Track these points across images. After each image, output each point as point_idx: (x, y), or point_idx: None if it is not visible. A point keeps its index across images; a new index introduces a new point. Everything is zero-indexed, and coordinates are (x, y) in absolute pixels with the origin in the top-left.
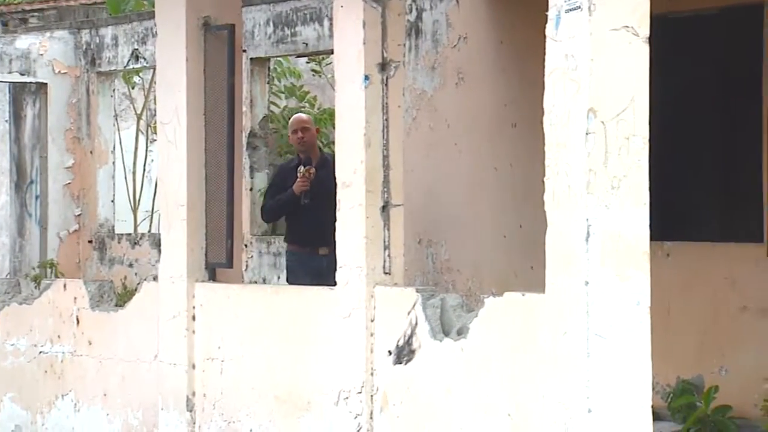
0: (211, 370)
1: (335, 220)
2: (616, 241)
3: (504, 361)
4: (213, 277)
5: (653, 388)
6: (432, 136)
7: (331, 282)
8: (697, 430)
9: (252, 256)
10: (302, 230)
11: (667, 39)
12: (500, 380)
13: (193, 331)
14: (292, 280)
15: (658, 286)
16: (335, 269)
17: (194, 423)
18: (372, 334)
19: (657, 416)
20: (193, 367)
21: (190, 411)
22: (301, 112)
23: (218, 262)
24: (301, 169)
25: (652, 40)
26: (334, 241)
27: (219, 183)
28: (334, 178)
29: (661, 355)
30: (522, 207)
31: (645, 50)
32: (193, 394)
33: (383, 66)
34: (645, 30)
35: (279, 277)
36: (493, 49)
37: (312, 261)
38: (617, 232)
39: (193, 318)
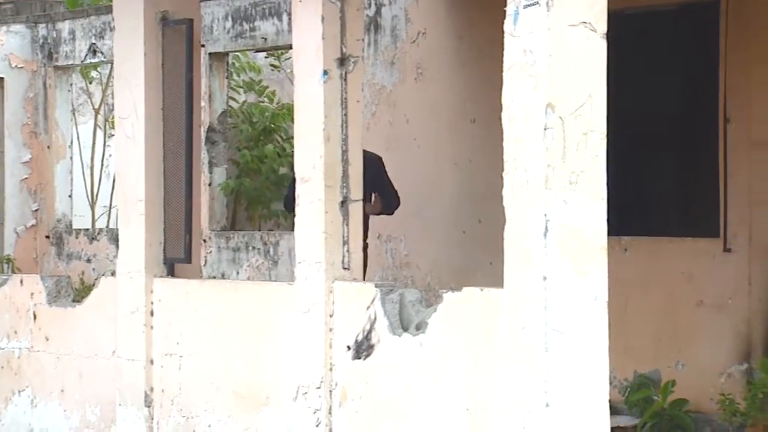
0: (169, 366)
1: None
2: (574, 236)
3: (463, 356)
4: (171, 273)
5: (611, 383)
6: (391, 131)
7: None
8: (654, 424)
9: (211, 252)
10: None
11: (625, 35)
12: (459, 375)
13: (152, 327)
14: None
15: (616, 281)
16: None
17: (152, 419)
18: (331, 329)
19: (614, 410)
20: (152, 362)
21: (149, 407)
22: (260, 106)
23: (177, 258)
24: None
25: (610, 35)
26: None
27: (177, 178)
28: (380, 182)
29: (619, 349)
30: (481, 202)
31: (602, 46)
32: (152, 389)
33: (342, 61)
34: (602, 26)
35: (238, 273)
36: (453, 44)
37: None
38: (575, 227)
39: (152, 313)
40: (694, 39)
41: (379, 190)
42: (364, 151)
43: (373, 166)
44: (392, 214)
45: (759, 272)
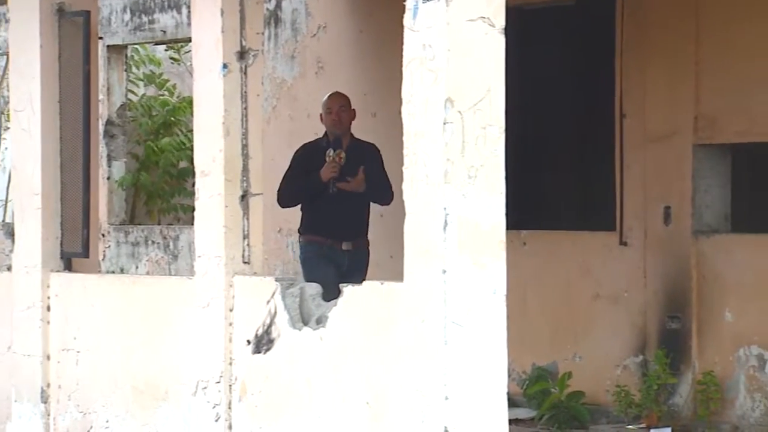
0: (66, 361)
1: (364, 214)
2: (473, 230)
3: (363, 350)
4: (69, 267)
5: (509, 375)
6: (292, 125)
7: (355, 283)
8: (551, 416)
9: (110, 246)
10: (326, 221)
11: (523, 30)
12: (359, 369)
13: (48, 322)
14: (313, 272)
15: (515, 274)
16: (358, 268)
17: (49, 415)
18: (231, 324)
19: (513, 402)
20: (48, 358)
21: (45, 402)
22: (160, 99)
23: (74, 252)
24: (331, 152)
25: (509, 31)
26: (360, 236)
27: (75, 171)
28: (371, 168)
29: (517, 342)
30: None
31: (501, 41)
32: (48, 385)
33: (242, 54)
34: (501, 21)
35: (137, 267)
36: (353, 38)
37: (333, 255)
38: (474, 221)
39: (48, 308)
40: (592, 35)
41: (373, 179)
42: (360, 140)
43: (368, 154)
44: (386, 204)
45: (654, 265)
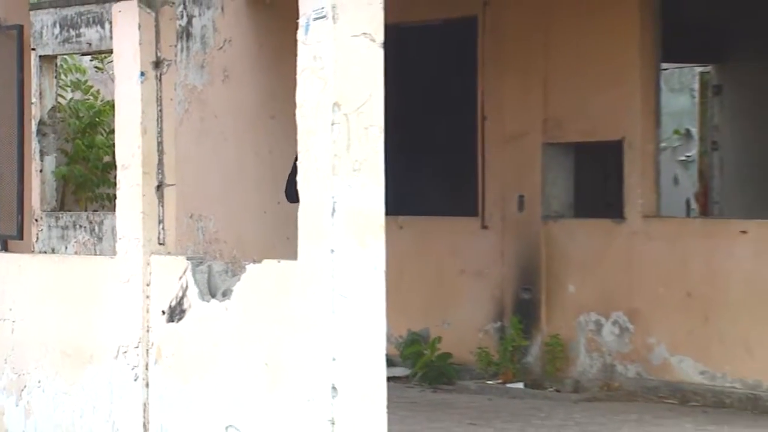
0: (3, 330)
1: None
2: (357, 216)
3: (262, 319)
4: (5, 248)
5: (388, 339)
6: (202, 125)
7: None
8: (423, 374)
9: (42, 230)
10: None
11: (401, 44)
12: (259, 335)
13: None
14: None
15: (393, 254)
16: None
17: None
18: (148, 297)
19: (391, 362)
20: None
21: None
22: (86, 103)
23: (10, 235)
24: None
25: (388, 45)
26: None
27: (11, 165)
28: None
29: (395, 311)
30: (279, 187)
31: (380, 54)
32: None
33: (157, 64)
34: (380, 36)
35: (66, 248)
36: (255, 50)
37: None
38: (358, 208)
39: None
40: (458, 49)
41: None
42: None
43: None
44: None
45: (510, 245)
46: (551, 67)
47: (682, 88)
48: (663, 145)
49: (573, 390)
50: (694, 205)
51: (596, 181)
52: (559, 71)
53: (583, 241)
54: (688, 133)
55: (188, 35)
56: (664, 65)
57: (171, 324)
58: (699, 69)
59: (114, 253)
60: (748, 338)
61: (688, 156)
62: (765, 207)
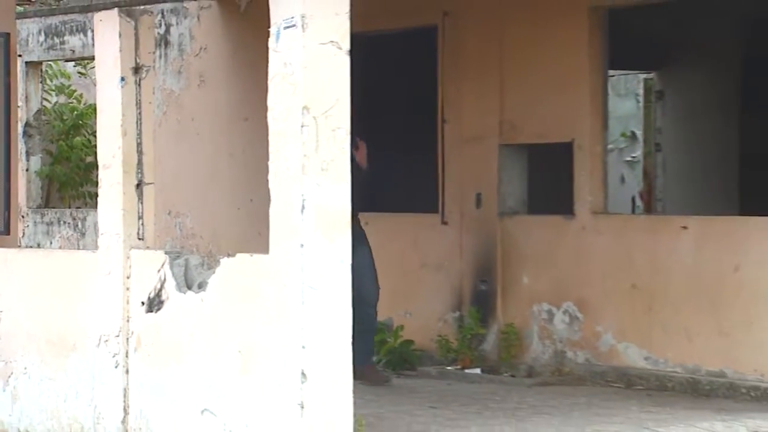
0: None
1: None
2: (325, 212)
3: (236, 309)
4: None
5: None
6: (179, 127)
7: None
8: (388, 360)
9: (28, 226)
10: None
11: (367, 52)
12: (233, 324)
13: None
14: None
15: None
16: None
17: None
18: (128, 289)
19: None
20: None
21: None
22: (69, 106)
23: None
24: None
25: (354, 52)
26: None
27: None
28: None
29: None
30: (252, 185)
31: (346, 61)
32: None
33: (136, 69)
34: (346, 45)
35: (51, 243)
36: (229, 57)
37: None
38: (326, 205)
39: None
40: (419, 57)
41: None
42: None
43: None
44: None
45: (468, 240)
46: (506, 73)
47: (627, 93)
48: (610, 146)
49: (527, 375)
50: (639, 202)
51: (547, 180)
52: (514, 78)
53: (536, 236)
54: (633, 136)
55: (166, 43)
56: (611, 72)
57: (150, 314)
58: (643, 75)
59: (96, 247)
60: (689, 326)
61: (634, 157)
62: (704, 204)
